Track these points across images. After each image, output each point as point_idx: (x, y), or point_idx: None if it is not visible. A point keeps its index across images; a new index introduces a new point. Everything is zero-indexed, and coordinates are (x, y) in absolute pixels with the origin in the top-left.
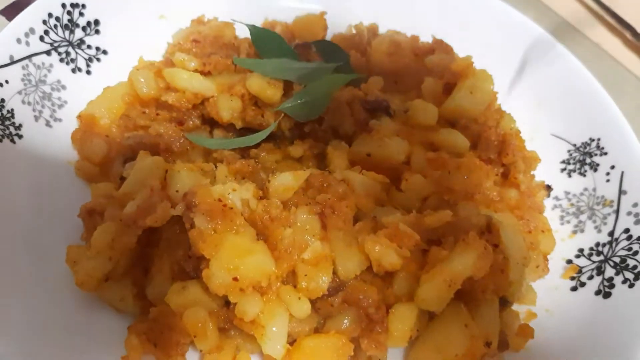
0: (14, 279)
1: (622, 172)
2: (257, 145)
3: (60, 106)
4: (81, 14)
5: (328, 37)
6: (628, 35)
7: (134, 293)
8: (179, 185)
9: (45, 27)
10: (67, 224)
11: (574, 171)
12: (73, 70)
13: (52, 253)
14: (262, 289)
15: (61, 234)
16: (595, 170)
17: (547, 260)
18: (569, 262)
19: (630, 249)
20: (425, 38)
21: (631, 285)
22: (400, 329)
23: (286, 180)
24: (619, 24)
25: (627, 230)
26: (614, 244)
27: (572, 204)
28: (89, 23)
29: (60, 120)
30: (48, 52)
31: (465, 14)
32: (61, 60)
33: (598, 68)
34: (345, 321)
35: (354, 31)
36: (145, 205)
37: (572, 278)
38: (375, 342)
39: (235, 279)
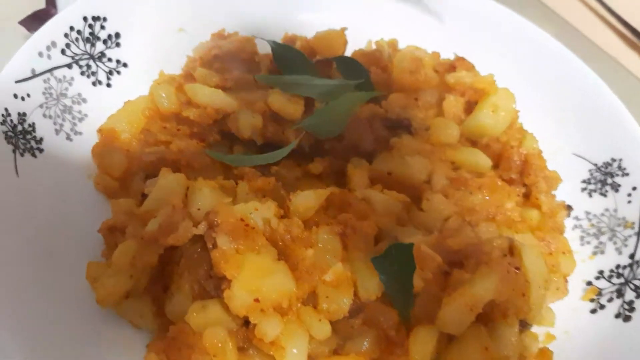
0: (34, 293)
1: None
2: (277, 162)
3: (80, 119)
4: (102, 27)
5: (348, 52)
6: None
7: (153, 310)
8: (200, 203)
9: (66, 41)
10: (87, 239)
11: (595, 191)
12: (94, 84)
13: (72, 268)
14: (283, 309)
15: (81, 249)
16: (617, 190)
17: (567, 281)
18: (589, 283)
19: None
20: (446, 54)
21: None
22: (420, 352)
23: (307, 199)
24: (635, 37)
25: None
26: (634, 267)
27: (593, 225)
28: (110, 36)
29: (80, 133)
30: (69, 66)
31: (486, 31)
32: (82, 73)
33: (617, 84)
34: (365, 343)
35: (374, 47)
36: (167, 223)
37: (592, 300)
38: None
39: (256, 300)
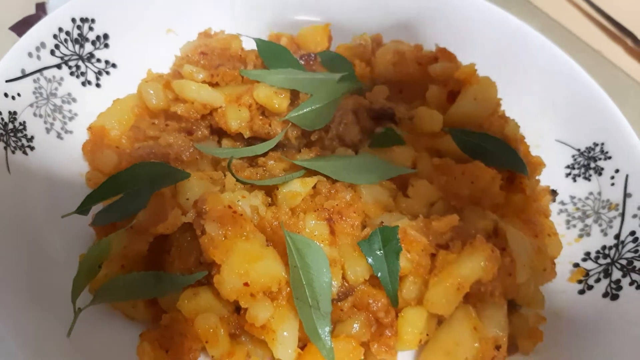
0: (27, 286)
1: (627, 176)
2: (264, 154)
3: (71, 118)
4: (91, 29)
5: (332, 48)
6: (629, 42)
7: (145, 300)
8: (189, 194)
9: (55, 42)
10: (79, 233)
11: (579, 176)
12: (83, 84)
13: (64, 261)
14: (273, 294)
15: (73, 243)
16: (600, 174)
17: (554, 264)
18: (576, 265)
19: (636, 251)
20: (429, 47)
21: (638, 287)
22: (410, 333)
23: (294, 187)
24: (619, 31)
25: (633, 233)
26: (620, 247)
27: (578, 208)
28: (98, 37)
29: (71, 132)
30: (59, 66)
31: (468, 23)
32: (71, 73)
33: (600, 75)
34: (355, 325)
35: (358, 42)
36: (156, 213)
37: (580, 281)
38: (386, 346)
39: (246, 284)
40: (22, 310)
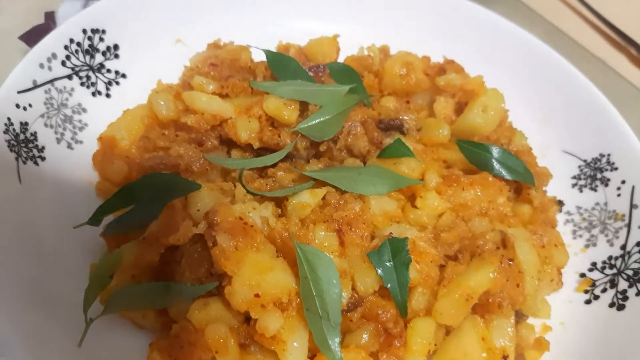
0: (37, 295)
1: (633, 187)
2: (274, 165)
3: (81, 129)
4: (101, 39)
5: (340, 58)
6: (633, 51)
7: (155, 310)
8: (200, 205)
9: (66, 52)
10: (90, 243)
11: (585, 186)
12: (93, 94)
13: (75, 270)
14: (283, 305)
15: (83, 253)
16: (606, 185)
17: (561, 274)
18: (583, 275)
19: None
20: (436, 58)
21: None
22: (419, 343)
23: (304, 198)
24: (623, 40)
25: (639, 244)
26: (626, 257)
27: (584, 219)
28: (108, 48)
29: (81, 142)
30: (69, 77)
31: (474, 34)
32: (82, 84)
33: (604, 85)
34: (365, 336)
35: (365, 52)
36: (167, 224)
37: (586, 291)
38: (395, 356)
39: (257, 295)
40: (32, 319)
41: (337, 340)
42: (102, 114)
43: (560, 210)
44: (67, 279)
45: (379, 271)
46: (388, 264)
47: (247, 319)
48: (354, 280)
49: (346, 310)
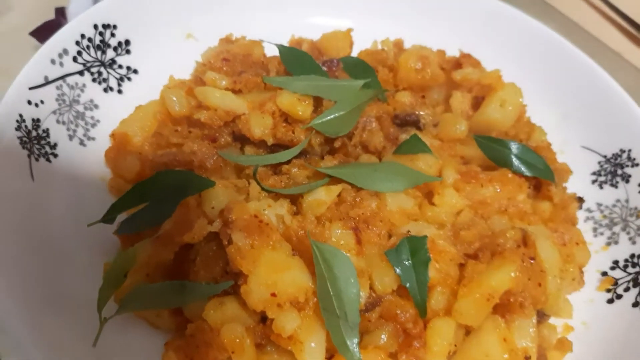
0: (50, 293)
1: None
2: (288, 162)
3: (93, 125)
4: (112, 35)
5: (354, 53)
6: None
7: (170, 309)
8: (214, 202)
9: (78, 48)
10: (103, 241)
11: (606, 183)
12: (105, 90)
13: (88, 269)
14: (300, 304)
15: (97, 250)
16: (627, 181)
17: (583, 272)
18: (604, 274)
19: None
20: (451, 52)
21: None
22: (439, 344)
23: (319, 196)
24: (639, 33)
25: None
26: None
27: (605, 216)
28: (120, 43)
29: (93, 139)
30: (81, 73)
31: (491, 28)
32: (94, 80)
33: (621, 78)
34: (383, 336)
35: (379, 46)
36: (181, 222)
37: (608, 290)
38: (414, 357)
39: (273, 294)
40: (46, 318)
41: (356, 340)
42: (114, 110)
43: (581, 207)
44: (80, 277)
45: (397, 270)
46: (406, 262)
47: (263, 318)
48: (371, 279)
49: (364, 310)
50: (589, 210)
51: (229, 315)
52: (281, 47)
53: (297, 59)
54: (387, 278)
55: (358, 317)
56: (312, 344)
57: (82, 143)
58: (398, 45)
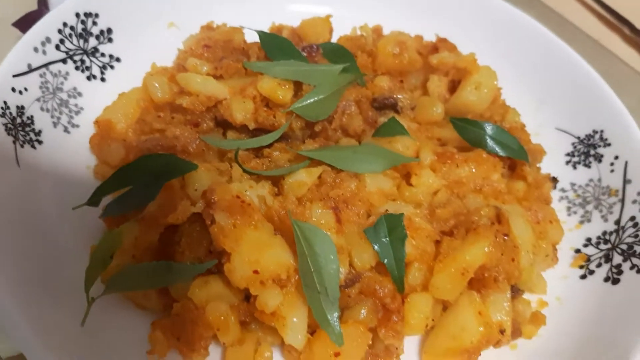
0: (39, 276)
1: (626, 162)
2: (269, 145)
3: (77, 112)
4: (94, 23)
5: (334, 39)
6: (626, 30)
7: (157, 290)
8: (197, 185)
9: (60, 36)
10: (89, 224)
11: (579, 163)
12: (88, 78)
13: (75, 252)
14: (282, 281)
15: (83, 234)
16: (600, 161)
17: (557, 250)
18: (578, 251)
19: (636, 236)
20: (429, 38)
21: (639, 271)
22: (416, 317)
23: (300, 177)
24: (617, 20)
25: (632, 218)
26: (620, 232)
27: (578, 195)
28: (102, 32)
29: (77, 126)
30: (64, 61)
31: (467, 13)
32: (76, 68)
33: (598, 64)
34: (363, 311)
35: (359, 32)
36: (165, 204)
37: (581, 267)
38: (393, 331)
39: (255, 272)
40: (35, 300)
41: (336, 314)
42: (97, 98)
43: (555, 187)
44: (67, 260)
45: (376, 247)
46: (384, 239)
47: (247, 297)
48: (351, 257)
49: (344, 286)
50: (563, 190)
51: (214, 294)
52: (261, 33)
53: (277, 45)
54: (365, 255)
55: (338, 292)
56: (295, 319)
57: (66, 130)
58: (377, 31)
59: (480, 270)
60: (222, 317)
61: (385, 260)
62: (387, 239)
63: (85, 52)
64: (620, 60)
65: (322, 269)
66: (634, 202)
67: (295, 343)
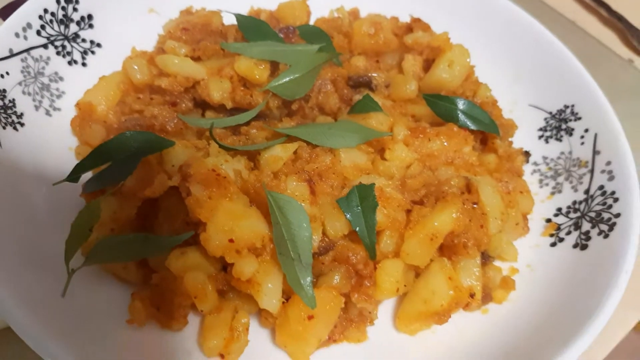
0: (21, 250)
1: (596, 134)
2: (247, 124)
3: (58, 96)
4: (75, 9)
5: (311, 22)
6: (603, 12)
7: (136, 262)
8: (174, 161)
9: (41, 22)
10: (70, 203)
11: (551, 137)
12: (69, 63)
13: (56, 229)
14: (257, 250)
15: (65, 212)
16: (571, 134)
17: (527, 219)
18: (548, 220)
19: (604, 204)
20: (405, 19)
21: (606, 236)
22: (387, 281)
23: (276, 152)
24: (593, 2)
25: (601, 187)
26: (589, 201)
27: (550, 168)
28: (82, 18)
29: (59, 109)
30: (45, 46)
31: None
32: (58, 53)
33: (572, 43)
34: (336, 278)
35: (336, 15)
36: (143, 179)
37: (552, 235)
38: (365, 295)
39: (231, 240)
40: (17, 273)
41: (309, 279)
42: (79, 82)
43: (527, 161)
44: (49, 236)
45: (348, 216)
46: (356, 208)
47: (224, 267)
48: (324, 225)
49: (318, 254)
50: (535, 163)
51: (191, 264)
52: (239, 16)
53: (254, 27)
54: (338, 223)
55: (311, 258)
56: (270, 285)
57: (48, 113)
58: (354, 14)
59: (450, 236)
60: (200, 286)
61: (357, 228)
62: (359, 208)
63: (66, 37)
64: (595, 40)
65: (295, 236)
66: (603, 171)
67: (270, 307)
